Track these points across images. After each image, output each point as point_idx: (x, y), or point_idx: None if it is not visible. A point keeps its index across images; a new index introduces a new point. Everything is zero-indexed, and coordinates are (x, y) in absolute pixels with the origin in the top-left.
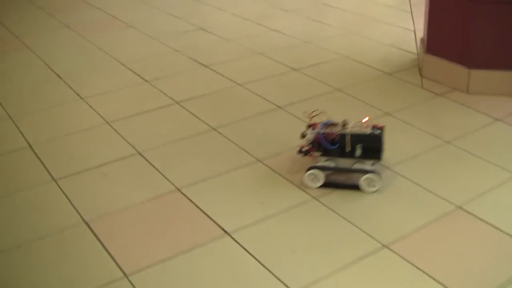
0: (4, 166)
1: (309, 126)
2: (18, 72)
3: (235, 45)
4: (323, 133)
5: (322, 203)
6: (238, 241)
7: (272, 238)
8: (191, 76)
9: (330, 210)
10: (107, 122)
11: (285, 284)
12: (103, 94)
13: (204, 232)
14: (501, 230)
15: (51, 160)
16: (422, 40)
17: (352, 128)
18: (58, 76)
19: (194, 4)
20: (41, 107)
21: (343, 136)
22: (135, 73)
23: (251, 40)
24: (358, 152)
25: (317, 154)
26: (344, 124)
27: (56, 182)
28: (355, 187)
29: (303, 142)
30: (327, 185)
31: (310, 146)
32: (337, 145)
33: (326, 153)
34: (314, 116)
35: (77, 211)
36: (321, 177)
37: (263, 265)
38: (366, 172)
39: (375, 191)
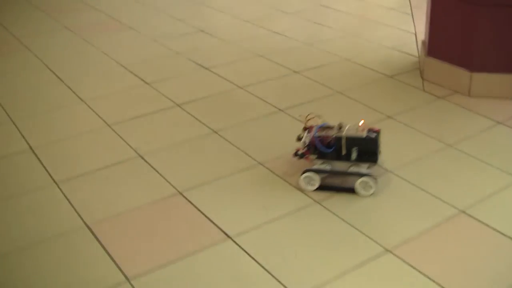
0: (5, 168)
1: (305, 129)
2: (18, 74)
3: (236, 47)
4: (319, 136)
5: (324, 206)
6: (240, 245)
7: (275, 242)
8: (192, 79)
9: (332, 214)
10: (108, 125)
11: None
12: (103, 97)
13: (206, 236)
14: (504, 235)
15: (53, 163)
16: (423, 42)
17: (347, 131)
18: (59, 78)
19: (195, 6)
20: (42, 109)
21: (338, 139)
22: (135, 75)
23: (251, 42)
24: (354, 155)
25: (312, 157)
26: (340, 127)
27: (58, 185)
28: (351, 190)
29: (299, 145)
30: (322, 188)
31: (305, 149)
32: (332, 148)
33: (321, 156)
34: (309, 119)
35: (79, 215)
36: (316, 180)
37: (265, 269)
38: (361, 175)
39: (370, 195)
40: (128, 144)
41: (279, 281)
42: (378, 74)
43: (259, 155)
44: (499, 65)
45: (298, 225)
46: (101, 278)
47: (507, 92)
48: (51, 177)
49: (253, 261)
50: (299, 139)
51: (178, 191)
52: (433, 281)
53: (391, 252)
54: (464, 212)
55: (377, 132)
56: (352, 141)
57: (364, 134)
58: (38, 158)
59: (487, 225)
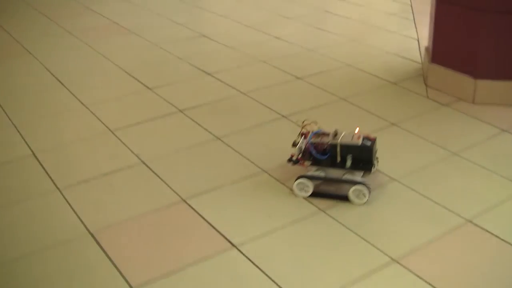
0: (7, 174)
1: (302, 134)
2: (21, 78)
3: (238, 53)
4: (313, 143)
5: (329, 215)
6: (245, 254)
7: (280, 251)
8: (194, 84)
9: (338, 222)
10: (110, 130)
11: None
12: (106, 102)
13: (211, 245)
14: (511, 244)
15: (55, 169)
16: (426, 49)
17: (343, 138)
18: (60, 82)
19: (196, 11)
20: (44, 114)
21: (333, 146)
22: (137, 80)
23: (253, 48)
24: (349, 162)
25: (307, 163)
26: (335, 134)
27: (60, 191)
28: (344, 198)
29: (294, 150)
30: (316, 195)
31: (300, 155)
32: (327, 155)
33: (316, 162)
34: (305, 125)
35: (82, 222)
36: (310, 186)
37: (271, 279)
38: (355, 183)
39: (364, 203)
40: (131, 150)
41: None
42: (381, 81)
43: (262, 162)
44: (504, 72)
45: (303, 233)
46: (105, 286)
47: (511, 99)
48: (53, 183)
49: (258, 270)
50: (294, 144)
51: (182, 198)
52: None
53: (397, 262)
54: (470, 221)
55: (373, 140)
56: (347, 148)
57: (359, 142)
58: (41, 164)
59: (494, 235)
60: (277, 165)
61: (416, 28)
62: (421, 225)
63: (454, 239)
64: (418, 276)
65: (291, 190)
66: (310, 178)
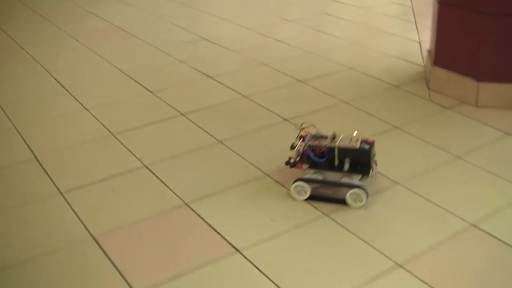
0: (10, 178)
1: (300, 137)
2: (23, 82)
3: (239, 56)
4: (311, 146)
5: (332, 219)
6: (249, 258)
7: (284, 255)
8: (196, 87)
9: (341, 227)
10: (113, 134)
11: None
12: (107, 105)
13: (214, 249)
14: None
15: (57, 172)
16: (429, 52)
17: (341, 141)
18: (62, 85)
19: (197, 14)
20: (46, 117)
21: (331, 149)
22: (139, 83)
23: (255, 51)
24: (346, 166)
25: (305, 166)
26: (334, 137)
27: (63, 195)
28: (342, 201)
29: (292, 153)
30: (313, 198)
31: (298, 158)
32: (325, 158)
33: (314, 165)
34: (303, 128)
35: (85, 226)
36: (307, 189)
37: (275, 284)
38: (352, 186)
39: (361, 207)
40: (133, 154)
41: None
42: (384, 84)
43: (265, 165)
44: (507, 75)
45: (307, 238)
46: None
47: None
48: (56, 186)
49: (262, 275)
50: (292, 147)
51: (185, 202)
52: None
53: (402, 266)
54: (474, 225)
55: (371, 143)
56: (345, 151)
57: (357, 145)
58: (43, 167)
59: (498, 239)
60: (279, 168)
61: (417, 30)
62: (425, 229)
63: (458, 244)
64: (422, 281)
65: (289, 192)
66: (308, 181)
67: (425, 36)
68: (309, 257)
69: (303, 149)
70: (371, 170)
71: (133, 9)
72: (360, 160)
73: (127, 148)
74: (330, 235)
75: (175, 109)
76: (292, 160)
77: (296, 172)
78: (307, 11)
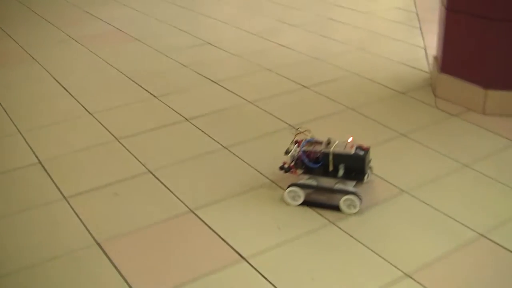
0: (13, 182)
1: (295, 142)
2: (26, 85)
3: (243, 61)
4: (305, 151)
5: (340, 228)
6: (255, 266)
7: (290, 264)
8: (200, 92)
9: (348, 235)
10: (117, 139)
11: None
12: (111, 109)
13: (220, 257)
14: None
15: (62, 177)
16: (435, 58)
17: (335, 147)
18: (66, 89)
19: (200, 18)
20: (50, 121)
21: (326, 155)
22: (143, 88)
23: (259, 56)
24: (341, 172)
25: (299, 171)
26: (328, 143)
27: (67, 200)
28: (335, 208)
29: (286, 158)
30: (307, 203)
31: (292, 163)
32: (319, 164)
33: (308, 171)
34: (299, 133)
35: (89, 232)
36: (301, 195)
37: None
38: (346, 193)
39: (355, 213)
40: (137, 159)
41: None
42: (389, 90)
43: (270, 172)
44: None
45: (314, 246)
46: None
47: None
48: (60, 191)
49: (268, 283)
50: (287, 152)
51: (190, 209)
52: None
53: (410, 277)
54: (483, 235)
55: (366, 150)
56: (340, 157)
57: (352, 151)
58: (47, 172)
59: (508, 250)
60: (285, 175)
61: (422, 36)
62: (434, 239)
63: (467, 254)
64: None
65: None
66: (301, 186)
67: (431, 42)
68: (315, 266)
69: (298, 154)
70: (365, 177)
71: (137, 13)
72: (354, 166)
73: (131, 153)
74: (337, 244)
75: (179, 114)
76: (286, 165)
77: (301, 178)
78: (311, 16)
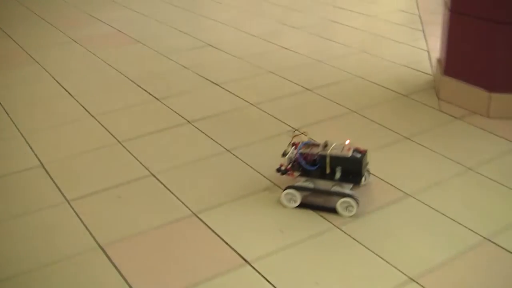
0: (15, 185)
1: (292, 144)
2: (27, 87)
3: (245, 63)
4: (302, 153)
5: (344, 232)
6: (259, 270)
7: (294, 268)
8: (203, 95)
9: (352, 239)
10: (119, 141)
11: None
12: (113, 112)
13: (223, 260)
14: None
15: (64, 180)
16: (438, 61)
17: (332, 150)
18: (67, 91)
19: (202, 20)
20: (52, 124)
21: (323, 157)
22: (145, 90)
23: (261, 58)
24: (338, 174)
25: (296, 173)
26: (326, 145)
27: (69, 203)
28: (332, 210)
29: (283, 160)
30: (304, 205)
31: (289, 165)
32: (316, 166)
33: (305, 173)
34: (296, 135)
35: (92, 235)
36: (298, 197)
37: None
38: (343, 195)
39: (351, 216)
40: (140, 162)
41: None
42: (392, 93)
43: (274, 175)
44: None
45: (317, 250)
46: None
47: None
48: (62, 194)
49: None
50: (284, 154)
51: (193, 212)
52: None
53: (415, 281)
54: (488, 239)
55: (363, 152)
56: (336, 160)
57: (349, 153)
58: (49, 175)
59: None
60: (288, 178)
61: (425, 39)
62: (438, 243)
63: (472, 258)
64: None
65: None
66: (298, 188)
67: (434, 45)
68: (319, 270)
69: (295, 156)
70: (362, 179)
71: (137, 15)
72: (351, 169)
73: (134, 156)
74: (341, 247)
75: (182, 116)
76: (283, 168)
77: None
78: (313, 18)
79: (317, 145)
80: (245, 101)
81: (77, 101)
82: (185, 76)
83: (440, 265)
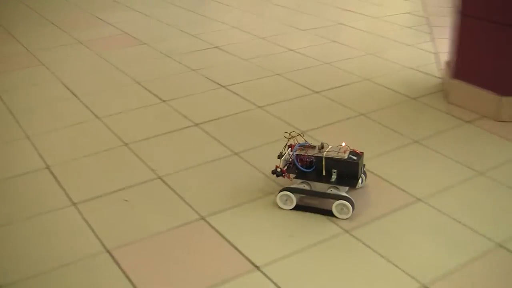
0: (21, 188)
1: (288, 146)
2: (33, 89)
3: (253, 65)
4: (298, 155)
5: (354, 236)
6: (269, 276)
7: (305, 274)
8: (209, 97)
9: (363, 244)
10: (125, 144)
11: None
12: (119, 114)
13: (233, 266)
14: None
15: (70, 183)
16: (447, 64)
17: (328, 152)
18: (73, 93)
19: (208, 22)
20: (58, 126)
21: (319, 159)
22: (151, 92)
23: (268, 60)
24: (334, 177)
25: (292, 175)
26: (321, 147)
27: (76, 207)
28: (328, 213)
29: (278, 162)
30: (299, 208)
31: (285, 167)
32: (312, 168)
33: (301, 175)
34: (292, 137)
35: (99, 239)
36: (293, 199)
37: None
38: (338, 198)
39: (347, 218)
40: (147, 165)
41: None
42: (401, 96)
43: (283, 179)
44: None
45: (328, 255)
46: None
47: None
48: (68, 197)
49: None
50: (280, 156)
51: (201, 216)
52: None
53: (427, 287)
54: (502, 246)
55: (360, 155)
56: (332, 162)
57: (345, 156)
58: (55, 177)
59: None
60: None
61: (433, 41)
62: (450, 249)
63: (485, 264)
64: None
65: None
66: (294, 190)
67: (441, 48)
68: (330, 275)
69: (291, 158)
70: (358, 182)
71: (144, 17)
72: (347, 171)
73: (141, 159)
74: (352, 253)
75: (188, 119)
76: (279, 169)
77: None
78: (320, 20)
79: (313, 147)
80: (253, 103)
81: (83, 103)
82: (191, 78)
83: (452, 272)
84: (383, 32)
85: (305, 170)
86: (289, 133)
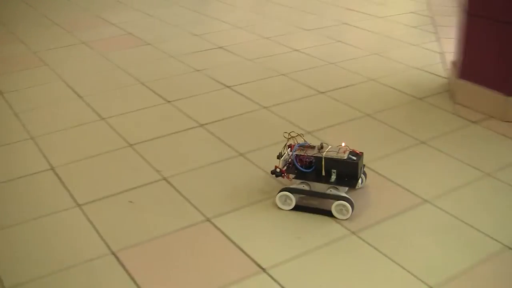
0: (26, 189)
1: (288, 146)
2: (37, 90)
3: (258, 65)
4: (298, 155)
5: (361, 238)
6: (275, 278)
7: (312, 276)
8: (214, 97)
9: (370, 246)
10: (130, 145)
11: None
12: (124, 115)
13: (239, 268)
14: None
15: (75, 184)
16: (453, 64)
17: (328, 152)
18: (77, 94)
19: (213, 22)
20: (62, 127)
21: (318, 159)
22: (155, 93)
23: (273, 60)
24: (333, 177)
25: (291, 176)
26: (321, 147)
27: (81, 208)
28: (328, 213)
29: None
30: (299, 208)
31: (284, 167)
32: (312, 169)
33: (300, 175)
34: (292, 137)
35: (104, 240)
36: (292, 200)
37: None
38: (337, 198)
39: (347, 219)
40: (152, 166)
41: None
42: (407, 96)
43: (285, 180)
44: None
45: (335, 257)
46: None
47: None
48: (73, 199)
49: None
50: (279, 156)
51: (207, 218)
52: None
53: None
54: (509, 247)
55: (359, 155)
56: (332, 162)
57: (345, 156)
58: (60, 179)
59: None
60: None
61: (438, 41)
62: (458, 251)
63: (493, 266)
64: None
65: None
66: (293, 191)
67: (447, 47)
68: (336, 277)
69: (290, 158)
70: (358, 182)
71: (147, 17)
72: (347, 172)
73: (146, 160)
74: (360, 255)
75: (193, 119)
76: (278, 170)
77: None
78: (324, 20)
79: (312, 147)
80: (258, 103)
81: (87, 104)
82: (196, 79)
83: (460, 273)
84: (388, 32)
85: (304, 170)
86: (289, 133)
